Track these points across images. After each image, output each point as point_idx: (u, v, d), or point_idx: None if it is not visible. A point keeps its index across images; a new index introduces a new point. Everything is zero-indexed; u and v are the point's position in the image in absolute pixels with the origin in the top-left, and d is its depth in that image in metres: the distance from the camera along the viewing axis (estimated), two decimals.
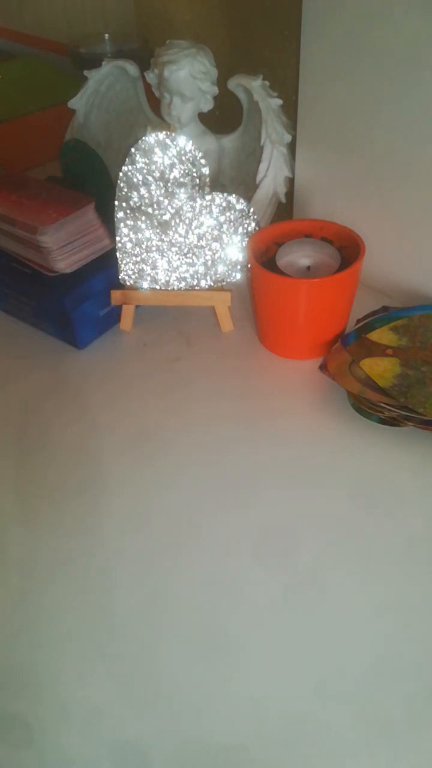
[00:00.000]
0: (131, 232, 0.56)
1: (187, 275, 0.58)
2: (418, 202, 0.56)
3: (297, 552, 0.42)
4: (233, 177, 0.72)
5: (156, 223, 0.56)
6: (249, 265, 0.56)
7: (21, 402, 0.54)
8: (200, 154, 0.54)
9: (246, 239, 0.57)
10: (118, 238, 0.57)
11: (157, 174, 0.54)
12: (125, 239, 0.57)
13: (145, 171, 0.54)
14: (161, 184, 0.55)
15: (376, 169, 0.58)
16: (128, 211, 0.56)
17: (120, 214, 0.56)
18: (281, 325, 0.55)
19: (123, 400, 0.54)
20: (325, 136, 0.61)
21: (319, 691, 0.35)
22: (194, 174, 0.54)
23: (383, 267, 0.62)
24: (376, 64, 0.53)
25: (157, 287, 0.59)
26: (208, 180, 0.55)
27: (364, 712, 0.34)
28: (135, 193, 0.55)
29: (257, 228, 0.57)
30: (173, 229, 0.56)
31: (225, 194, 0.55)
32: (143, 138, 0.53)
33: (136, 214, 0.56)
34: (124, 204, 0.56)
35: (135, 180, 0.55)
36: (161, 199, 0.55)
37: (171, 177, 0.55)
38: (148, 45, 0.87)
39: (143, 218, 0.56)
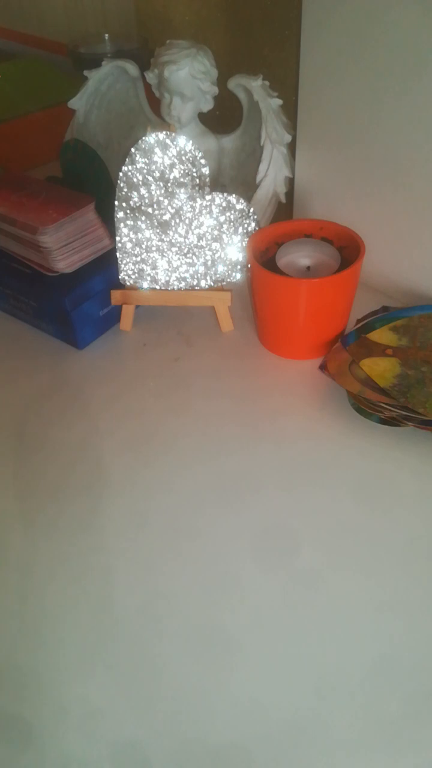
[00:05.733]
0: (131, 232, 0.56)
1: (187, 275, 0.58)
2: (418, 202, 0.56)
3: (297, 552, 0.42)
4: (233, 177, 0.72)
5: (156, 223, 0.56)
6: (249, 265, 0.56)
7: (21, 402, 0.54)
8: (200, 154, 0.54)
9: (246, 239, 0.57)
10: (118, 238, 0.57)
11: (157, 174, 0.54)
12: (125, 239, 0.57)
13: (145, 171, 0.54)
14: (161, 184, 0.55)
15: (376, 169, 0.58)
16: (128, 211, 0.56)
17: (120, 214, 0.56)
18: (281, 325, 0.55)
19: (123, 400, 0.54)
20: (325, 136, 0.61)
21: (320, 691, 0.35)
22: (194, 174, 0.54)
23: (383, 267, 0.62)
24: (375, 64, 0.53)
25: (157, 287, 0.59)
26: (208, 180, 0.55)
27: (364, 712, 0.34)
28: (135, 193, 0.55)
29: (257, 228, 0.57)
30: (173, 229, 0.56)
31: (225, 194, 0.55)
32: (143, 138, 0.53)
33: (136, 214, 0.56)
34: (124, 204, 0.56)
35: (135, 180, 0.55)
36: (161, 199, 0.55)
37: (171, 177, 0.55)
38: (148, 45, 0.87)
39: (143, 218, 0.56)
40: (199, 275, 0.58)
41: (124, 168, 0.54)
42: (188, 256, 0.57)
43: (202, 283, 0.59)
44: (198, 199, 0.55)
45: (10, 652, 0.38)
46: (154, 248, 0.57)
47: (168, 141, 0.53)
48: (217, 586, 0.40)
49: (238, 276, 0.58)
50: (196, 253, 0.57)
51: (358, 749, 0.33)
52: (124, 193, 0.55)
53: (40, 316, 0.60)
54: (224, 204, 0.56)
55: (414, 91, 0.51)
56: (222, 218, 0.56)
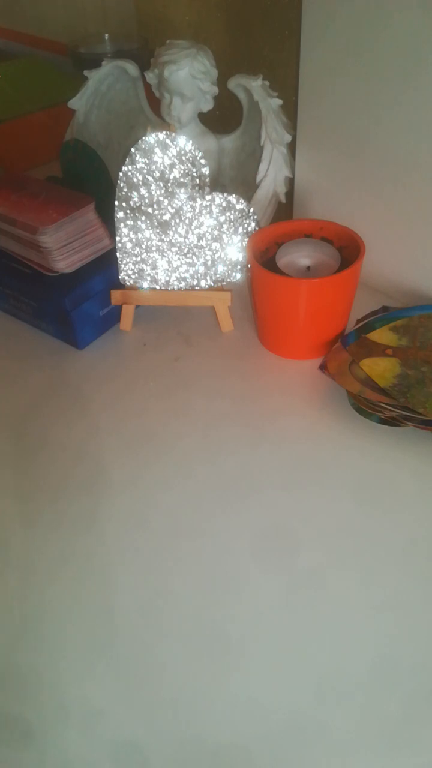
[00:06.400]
0: (131, 232, 0.56)
1: (187, 275, 0.58)
2: (418, 202, 0.56)
3: (297, 552, 0.42)
4: (233, 177, 0.72)
5: (156, 223, 0.56)
6: (249, 265, 0.56)
7: (21, 402, 0.54)
8: (200, 154, 0.54)
9: (246, 239, 0.57)
10: (118, 238, 0.57)
11: (157, 174, 0.54)
12: (125, 239, 0.57)
13: (145, 171, 0.54)
14: (161, 184, 0.55)
15: (376, 169, 0.58)
16: (128, 211, 0.56)
17: (120, 214, 0.56)
18: (281, 325, 0.55)
19: (123, 400, 0.54)
20: (325, 136, 0.61)
21: (319, 691, 0.35)
22: (194, 174, 0.54)
23: (383, 267, 0.62)
24: (376, 64, 0.53)
25: (157, 287, 0.59)
26: (208, 180, 0.55)
27: (364, 712, 0.34)
28: (135, 193, 0.55)
29: (257, 228, 0.57)
30: (173, 229, 0.56)
31: (225, 194, 0.55)
32: (143, 138, 0.53)
33: (136, 214, 0.56)
34: (124, 204, 0.56)
35: (135, 180, 0.55)
36: (161, 199, 0.55)
37: (171, 177, 0.55)
38: (148, 45, 0.87)
39: (143, 218, 0.56)
40: (199, 275, 0.58)
41: (124, 168, 0.54)
42: (188, 256, 0.57)
43: (202, 283, 0.59)
44: (198, 199, 0.55)
45: (10, 652, 0.38)
46: (154, 248, 0.57)
47: (168, 141, 0.53)
48: (217, 586, 0.40)
49: (238, 276, 0.58)
50: (196, 253, 0.57)
51: (358, 749, 0.33)
52: (124, 193, 0.55)
53: (40, 316, 0.60)
54: (224, 204, 0.56)
55: (414, 90, 0.51)
56: (222, 218, 0.56)
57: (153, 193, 0.55)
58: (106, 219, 0.58)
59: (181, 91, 0.62)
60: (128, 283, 0.59)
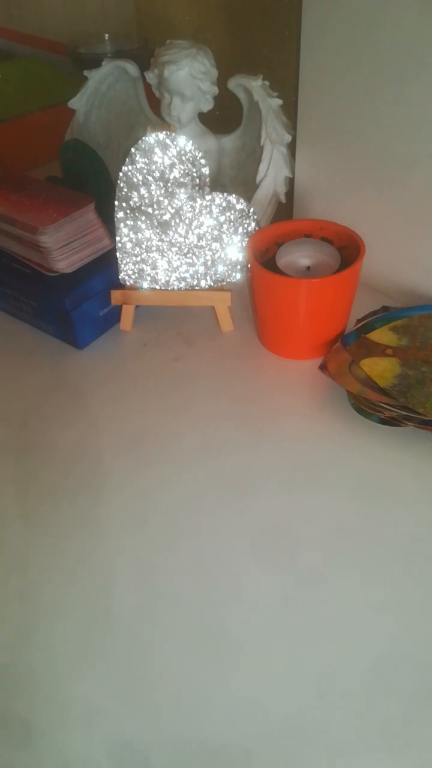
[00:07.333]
0: (131, 232, 0.56)
1: (187, 275, 0.58)
2: (418, 202, 0.56)
3: (297, 552, 0.42)
4: (233, 177, 0.72)
5: (156, 223, 0.56)
6: (249, 265, 0.56)
7: (21, 401, 0.54)
8: (200, 154, 0.54)
9: (246, 239, 0.57)
10: (118, 238, 0.57)
11: (157, 174, 0.54)
12: (125, 239, 0.57)
13: (145, 171, 0.54)
14: (161, 184, 0.55)
15: (375, 169, 0.58)
16: (128, 211, 0.56)
17: (120, 214, 0.56)
18: (281, 325, 0.55)
19: (123, 400, 0.54)
20: (325, 136, 0.61)
21: (319, 691, 0.35)
22: (194, 174, 0.54)
23: (383, 267, 0.62)
24: (375, 64, 0.53)
25: (157, 287, 0.59)
26: (208, 180, 0.55)
27: (364, 712, 0.34)
28: (135, 193, 0.55)
29: (257, 228, 0.57)
30: (173, 229, 0.56)
31: (225, 194, 0.55)
32: (143, 138, 0.53)
33: (136, 214, 0.56)
34: (124, 204, 0.56)
35: (135, 180, 0.55)
36: (161, 199, 0.55)
37: (171, 177, 0.55)
38: (148, 45, 0.87)
39: (143, 218, 0.56)
40: (199, 275, 0.58)
41: (124, 168, 0.54)
42: (188, 256, 0.57)
43: (202, 283, 0.59)
44: (198, 199, 0.55)
45: (9, 651, 0.38)
46: (154, 248, 0.57)
47: (168, 141, 0.53)
48: (217, 586, 0.40)
49: (238, 276, 0.58)
50: (196, 253, 0.57)
51: (358, 749, 0.33)
52: (124, 193, 0.55)
53: (40, 316, 0.60)
54: (224, 204, 0.56)
55: (414, 90, 0.51)
56: (222, 218, 0.56)
57: (153, 193, 0.55)
58: (106, 219, 0.58)
59: (181, 91, 0.62)
60: (128, 283, 0.59)
